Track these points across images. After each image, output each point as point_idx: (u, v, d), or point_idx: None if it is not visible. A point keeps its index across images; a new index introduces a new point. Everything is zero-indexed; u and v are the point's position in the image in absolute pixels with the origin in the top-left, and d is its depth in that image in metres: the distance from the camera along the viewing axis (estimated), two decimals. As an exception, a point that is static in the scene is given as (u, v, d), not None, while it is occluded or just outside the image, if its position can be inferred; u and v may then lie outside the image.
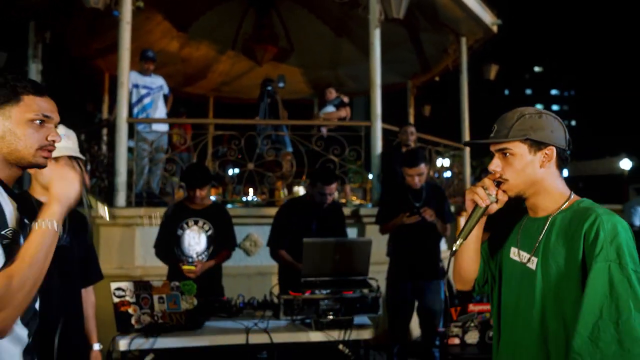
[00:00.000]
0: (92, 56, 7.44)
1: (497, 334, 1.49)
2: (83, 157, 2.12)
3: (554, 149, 1.34)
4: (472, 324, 3.19)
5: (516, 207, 1.51)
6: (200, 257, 3.33)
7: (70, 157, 2.03)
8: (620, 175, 23.27)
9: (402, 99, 9.15)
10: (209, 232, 3.37)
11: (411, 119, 8.71)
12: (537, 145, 1.33)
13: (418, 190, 3.56)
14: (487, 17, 6.50)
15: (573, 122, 44.50)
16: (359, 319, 2.81)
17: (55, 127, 1.34)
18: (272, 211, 4.05)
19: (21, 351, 1.23)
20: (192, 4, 6.91)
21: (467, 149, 6.86)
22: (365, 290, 2.80)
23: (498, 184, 1.38)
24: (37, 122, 1.27)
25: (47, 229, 1.21)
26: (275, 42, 7.65)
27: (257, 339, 2.60)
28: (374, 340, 3.95)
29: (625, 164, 23.44)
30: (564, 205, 1.34)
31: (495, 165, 1.38)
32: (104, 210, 1.21)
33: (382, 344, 4.08)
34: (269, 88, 5.61)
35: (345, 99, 6.50)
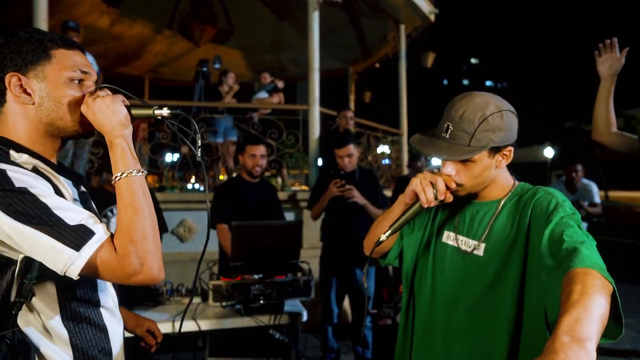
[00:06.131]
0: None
1: (423, 319, 1.39)
2: None
3: (512, 148, 1.26)
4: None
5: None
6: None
7: None
8: (544, 162, 24.93)
9: (343, 85, 9.17)
10: None
11: (352, 105, 8.75)
12: (497, 148, 1.23)
13: (350, 173, 3.55)
14: (425, 5, 6.61)
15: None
16: (291, 303, 2.79)
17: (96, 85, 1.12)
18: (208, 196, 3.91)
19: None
20: (123, -22, 6.54)
21: (405, 136, 6.98)
22: (297, 274, 2.77)
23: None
24: (76, 81, 1.06)
25: (129, 177, 1.02)
26: (214, 22, 7.41)
27: (184, 326, 2.51)
28: (309, 324, 3.96)
29: (549, 152, 25.11)
30: (511, 191, 1.31)
31: (451, 169, 1.26)
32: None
33: (318, 327, 4.10)
34: (204, 69, 5.42)
35: (280, 84, 6.28)
